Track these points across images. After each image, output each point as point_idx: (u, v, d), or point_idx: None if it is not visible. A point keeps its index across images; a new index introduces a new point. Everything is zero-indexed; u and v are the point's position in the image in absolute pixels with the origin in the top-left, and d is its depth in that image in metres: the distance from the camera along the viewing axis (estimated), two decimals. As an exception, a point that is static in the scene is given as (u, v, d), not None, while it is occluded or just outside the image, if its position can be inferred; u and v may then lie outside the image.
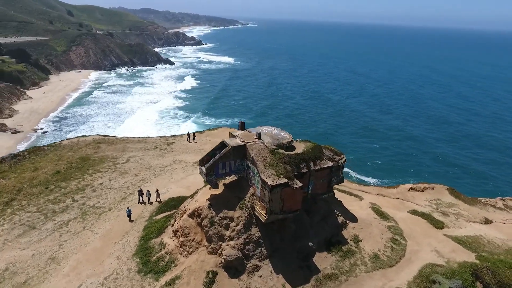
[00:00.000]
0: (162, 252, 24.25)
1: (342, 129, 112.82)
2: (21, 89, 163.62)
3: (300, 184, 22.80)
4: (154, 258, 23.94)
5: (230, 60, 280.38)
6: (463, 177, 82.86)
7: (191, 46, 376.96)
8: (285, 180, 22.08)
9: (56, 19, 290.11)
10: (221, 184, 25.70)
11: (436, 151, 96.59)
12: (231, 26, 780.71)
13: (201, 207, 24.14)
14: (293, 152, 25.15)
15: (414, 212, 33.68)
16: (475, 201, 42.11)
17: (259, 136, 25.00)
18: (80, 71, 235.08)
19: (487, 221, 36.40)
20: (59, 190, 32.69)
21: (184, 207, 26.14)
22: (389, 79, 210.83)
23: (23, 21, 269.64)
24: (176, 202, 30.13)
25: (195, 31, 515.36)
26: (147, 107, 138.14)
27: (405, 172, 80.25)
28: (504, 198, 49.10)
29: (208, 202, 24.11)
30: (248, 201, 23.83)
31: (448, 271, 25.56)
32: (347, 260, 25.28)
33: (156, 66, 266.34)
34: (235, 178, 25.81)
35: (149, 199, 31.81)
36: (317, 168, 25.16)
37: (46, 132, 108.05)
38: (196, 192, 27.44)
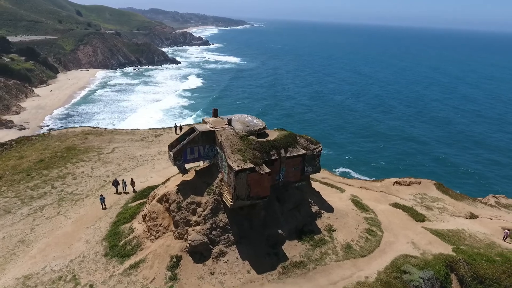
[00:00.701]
0: (130, 237, 24.27)
1: (343, 129, 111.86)
2: (29, 87, 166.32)
3: (267, 170, 22.60)
4: (122, 242, 23.98)
5: (236, 60, 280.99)
6: (463, 177, 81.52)
7: (198, 46, 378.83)
8: (251, 165, 21.90)
9: (65, 19, 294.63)
10: (193, 170, 25.66)
11: (442, 152, 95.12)
12: (239, 27, 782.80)
13: (169, 192, 24.11)
14: (264, 139, 24.97)
15: (396, 205, 33.16)
16: (463, 197, 41.32)
17: (229, 122, 24.89)
18: (88, 70, 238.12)
19: (473, 216, 35.66)
20: (40, 178, 33.05)
21: (154, 192, 26.17)
22: (394, 80, 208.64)
23: (32, 20, 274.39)
24: (152, 191, 30.13)
25: (203, 32, 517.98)
26: (151, 105, 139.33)
27: (406, 172, 79.09)
28: (496, 195, 48.15)
29: (176, 188, 24.05)
30: (216, 187, 23.72)
31: (422, 262, 25.08)
32: (318, 249, 24.97)
33: (162, 66, 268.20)
34: (207, 165, 25.74)
35: (124, 189, 31.64)
36: (288, 155, 24.92)
37: (52, 129, 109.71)
38: (168, 179, 27.46)
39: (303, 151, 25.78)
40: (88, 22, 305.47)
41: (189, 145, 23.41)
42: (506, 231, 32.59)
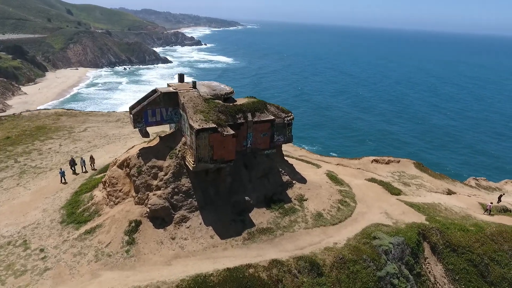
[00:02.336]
0: (89, 204, 23.16)
1: (322, 125, 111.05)
2: (16, 85, 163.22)
3: (231, 132, 21.74)
4: (80, 210, 22.88)
5: (227, 59, 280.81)
6: (444, 164, 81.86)
7: (190, 46, 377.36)
8: (213, 125, 21.04)
9: (54, 17, 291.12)
10: (157, 137, 24.70)
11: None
12: (232, 28, 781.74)
13: (130, 157, 23.10)
14: (230, 104, 24.12)
15: (372, 180, 32.52)
16: (442, 176, 40.94)
17: (194, 85, 23.99)
18: (77, 69, 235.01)
19: (450, 193, 35.19)
20: (3, 153, 31.72)
21: (116, 159, 25.08)
22: (378, 79, 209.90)
23: (21, 19, 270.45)
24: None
25: (195, 32, 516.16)
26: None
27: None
28: (477, 178, 47.98)
29: (137, 152, 23.05)
30: (179, 151, 22.79)
31: (393, 230, 24.43)
32: (287, 217, 24.14)
33: (153, 65, 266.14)
34: (173, 131, 24.80)
35: (83, 168, 29.45)
36: (256, 120, 24.10)
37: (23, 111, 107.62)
38: (132, 147, 26.39)
39: (272, 117, 24.96)
40: (78, 21, 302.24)
41: (150, 107, 22.44)
42: (490, 204, 32.10)
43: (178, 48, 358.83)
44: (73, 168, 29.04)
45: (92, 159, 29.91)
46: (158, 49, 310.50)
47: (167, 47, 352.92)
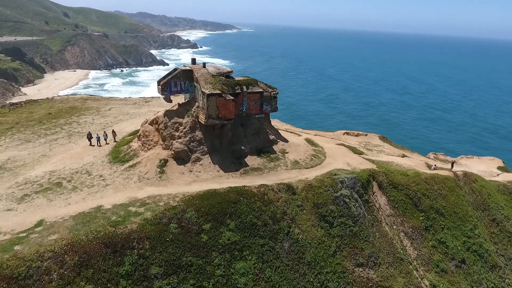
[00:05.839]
0: (128, 151, 31.65)
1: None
2: (16, 86, 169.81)
3: (232, 98, 30.45)
4: (122, 155, 31.34)
5: (222, 61, 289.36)
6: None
7: (186, 48, 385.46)
8: (219, 92, 29.74)
9: (51, 20, 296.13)
10: (177, 104, 33.30)
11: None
12: (227, 31, 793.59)
13: (158, 116, 31.70)
14: (231, 79, 32.88)
15: (341, 144, 41.43)
16: (403, 148, 50.07)
17: (204, 65, 32.75)
18: (75, 71, 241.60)
19: (404, 156, 44.22)
20: (50, 124, 40.00)
21: (146, 119, 33.65)
22: (349, 77, 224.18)
23: (18, 21, 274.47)
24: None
25: (191, 35, 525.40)
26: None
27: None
28: (436, 153, 57.19)
29: (164, 113, 31.68)
30: (194, 111, 31.43)
31: (351, 172, 33.26)
32: (272, 162, 32.88)
33: (150, 67, 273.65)
34: (188, 99, 33.44)
35: (106, 141, 34.02)
36: (249, 91, 32.89)
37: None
38: (158, 112, 34.96)
39: (261, 90, 33.79)
40: (75, 24, 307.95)
41: (173, 80, 31.15)
42: (434, 165, 41.13)
43: (175, 50, 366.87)
44: (90, 140, 33.76)
45: (114, 133, 35.76)
46: (154, 52, 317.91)
47: (163, 50, 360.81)
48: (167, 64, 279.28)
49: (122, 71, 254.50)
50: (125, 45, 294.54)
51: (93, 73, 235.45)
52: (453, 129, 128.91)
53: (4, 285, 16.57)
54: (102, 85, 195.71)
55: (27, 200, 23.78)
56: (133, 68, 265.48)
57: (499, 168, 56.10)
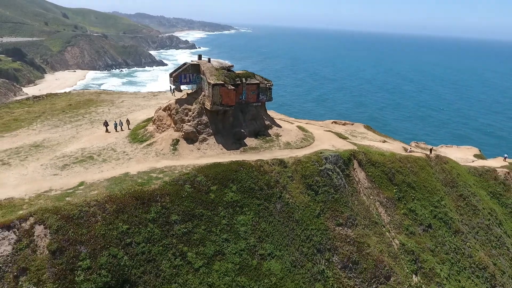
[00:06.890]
0: (145, 133, 37.13)
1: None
2: (18, 86, 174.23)
3: (233, 87, 36.04)
4: (139, 136, 36.82)
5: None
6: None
7: (185, 49, 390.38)
8: (222, 82, 35.32)
9: (51, 21, 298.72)
10: (186, 93, 38.82)
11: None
12: (225, 32, 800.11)
13: (170, 104, 37.23)
14: (232, 72, 38.48)
15: (328, 131, 47.09)
16: (386, 136, 55.78)
17: (209, 60, 38.34)
18: (75, 71, 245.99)
19: (385, 142, 49.96)
20: (72, 113, 45.43)
21: (159, 106, 39.17)
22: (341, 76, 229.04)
23: (18, 22, 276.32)
24: (156, 117, 42.88)
25: (189, 36, 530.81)
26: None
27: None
28: (418, 142, 63.00)
29: (175, 100, 37.23)
30: (201, 99, 36.98)
31: (335, 152, 38.89)
32: (268, 143, 38.48)
33: (149, 67, 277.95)
34: (195, 90, 38.99)
35: (121, 128, 39.35)
36: (248, 82, 38.50)
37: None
38: (169, 101, 40.49)
39: (258, 82, 39.40)
40: (74, 25, 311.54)
41: (183, 72, 36.70)
42: (410, 148, 46.86)
43: (173, 51, 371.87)
44: (106, 127, 38.02)
45: (128, 121, 40.80)
46: (153, 52, 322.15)
47: (162, 51, 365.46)
48: (166, 65, 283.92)
49: (121, 71, 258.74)
50: (124, 45, 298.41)
51: (92, 74, 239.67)
52: (441, 126, 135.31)
53: (63, 222, 22.03)
54: (102, 85, 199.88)
55: (68, 168, 29.22)
56: (133, 69, 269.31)
57: (475, 155, 62.13)
